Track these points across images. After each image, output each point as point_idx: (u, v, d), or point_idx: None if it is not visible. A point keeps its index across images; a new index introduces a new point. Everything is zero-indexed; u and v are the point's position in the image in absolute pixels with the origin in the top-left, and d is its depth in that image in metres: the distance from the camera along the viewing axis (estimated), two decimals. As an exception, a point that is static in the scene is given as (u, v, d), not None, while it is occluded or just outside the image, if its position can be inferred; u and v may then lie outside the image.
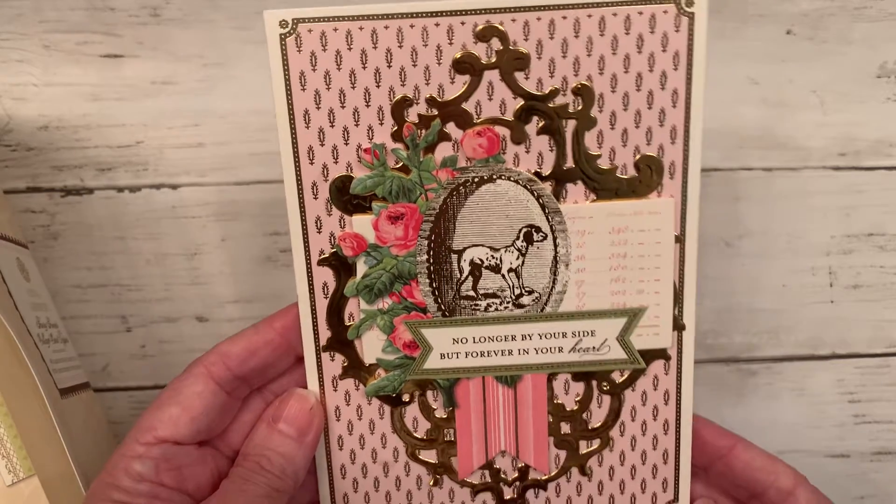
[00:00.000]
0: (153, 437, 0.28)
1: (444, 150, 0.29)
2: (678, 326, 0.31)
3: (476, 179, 0.30)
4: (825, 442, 0.43)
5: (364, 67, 0.29)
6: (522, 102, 0.29)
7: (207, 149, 0.39)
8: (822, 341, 0.41)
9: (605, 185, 0.30)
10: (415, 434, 0.32)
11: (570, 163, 0.29)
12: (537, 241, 0.30)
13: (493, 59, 0.29)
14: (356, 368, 0.31)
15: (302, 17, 0.28)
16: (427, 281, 0.30)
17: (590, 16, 0.28)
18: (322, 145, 0.29)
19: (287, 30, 0.28)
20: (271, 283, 0.40)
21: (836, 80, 0.40)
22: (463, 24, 0.28)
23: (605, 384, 0.32)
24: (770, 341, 0.41)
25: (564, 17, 0.28)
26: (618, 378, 0.32)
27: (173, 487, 0.28)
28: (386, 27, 0.28)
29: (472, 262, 0.30)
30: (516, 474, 0.32)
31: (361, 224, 0.30)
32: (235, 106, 0.39)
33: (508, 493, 0.32)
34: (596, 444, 0.32)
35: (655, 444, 0.32)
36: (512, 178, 0.30)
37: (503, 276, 0.30)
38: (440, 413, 0.32)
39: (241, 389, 0.30)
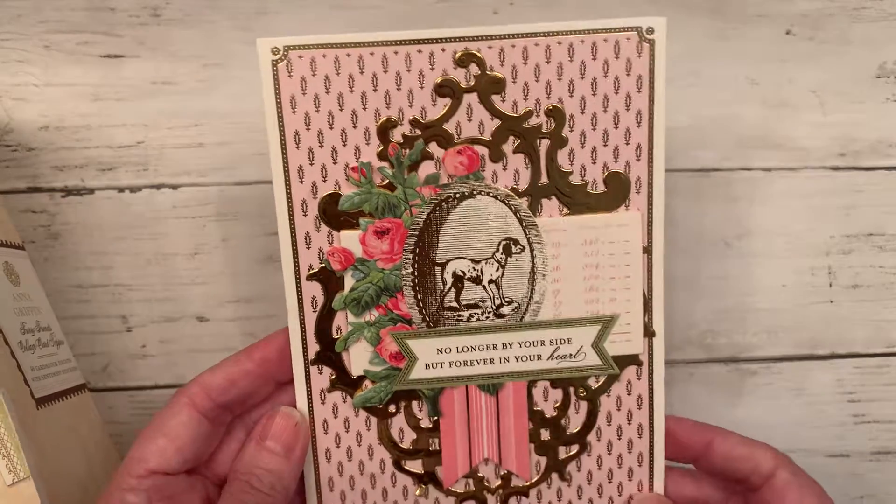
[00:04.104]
0: (144, 469, 0.30)
1: (427, 168, 0.33)
2: (648, 333, 0.34)
3: (457, 195, 0.33)
4: (825, 442, 0.43)
5: (351, 91, 0.32)
6: (499, 123, 0.32)
7: (207, 149, 0.39)
8: (821, 341, 0.42)
9: (576, 200, 0.33)
10: (400, 444, 0.34)
11: (544, 179, 0.33)
12: (515, 253, 0.33)
13: (472, 83, 0.32)
14: (344, 381, 0.34)
15: (292, 44, 0.31)
16: (412, 293, 0.33)
17: (559, 43, 0.32)
18: (311, 164, 0.32)
19: (278, 56, 0.31)
20: (271, 283, 0.40)
21: (835, 81, 0.41)
22: (443, 50, 0.32)
23: (581, 390, 0.34)
24: (769, 341, 0.41)
25: (536, 45, 0.32)
26: (594, 384, 0.34)
27: None
28: (372, 54, 0.31)
29: (454, 274, 0.33)
30: (499, 482, 0.35)
31: (349, 239, 0.33)
32: (235, 106, 0.39)
33: (492, 501, 0.35)
34: (574, 449, 0.35)
35: (630, 447, 0.35)
36: (491, 194, 0.33)
37: (484, 287, 0.33)
38: (425, 423, 0.34)
39: (224, 417, 0.33)
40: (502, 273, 0.33)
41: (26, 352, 0.36)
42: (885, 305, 0.44)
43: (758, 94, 0.43)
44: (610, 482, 0.35)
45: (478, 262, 0.33)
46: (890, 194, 0.44)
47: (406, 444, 0.34)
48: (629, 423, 0.34)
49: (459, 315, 0.33)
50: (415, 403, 0.34)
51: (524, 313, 0.33)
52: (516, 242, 0.33)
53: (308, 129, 0.32)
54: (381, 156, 0.32)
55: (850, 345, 0.44)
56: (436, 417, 0.34)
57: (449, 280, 0.33)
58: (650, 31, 0.31)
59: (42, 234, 0.42)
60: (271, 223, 0.42)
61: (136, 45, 0.42)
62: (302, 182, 0.32)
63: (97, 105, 0.42)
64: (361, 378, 0.34)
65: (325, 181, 0.32)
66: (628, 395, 0.34)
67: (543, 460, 0.34)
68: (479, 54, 0.32)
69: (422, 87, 0.32)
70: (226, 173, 0.42)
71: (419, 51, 0.31)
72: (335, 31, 0.43)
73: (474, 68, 0.32)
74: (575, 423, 0.34)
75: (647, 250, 0.33)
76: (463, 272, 0.33)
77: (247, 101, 0.42)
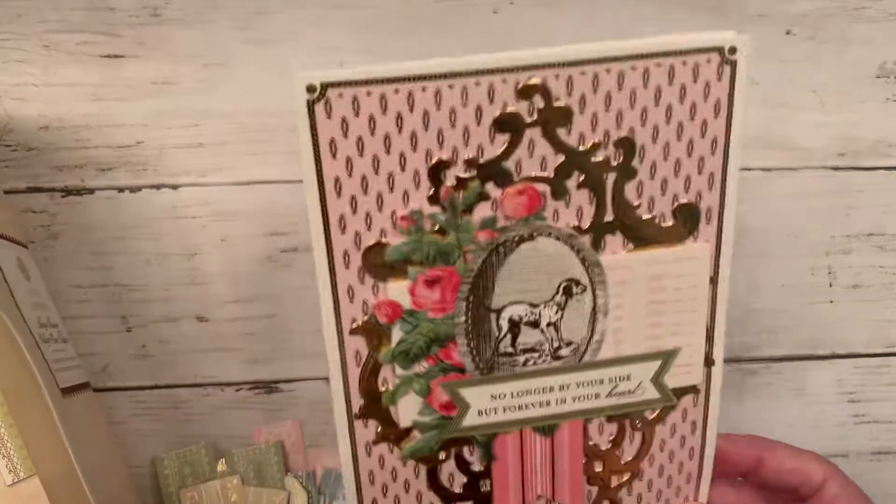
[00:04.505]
0: None
1: (482, 211, 0.29)
2: (709, 363, 0.32)
3: (516, 238, 0.30)
4: (825, 442, 0.43)
5: (399, 132, 0.28)
6: (564, 158, 0.29)
7: (207, 149, 0.39)
8: (821, 341, 0.42)
9: (643, 235, 0.30)
10: (452, 489, 0.33)
11: (609, 215, 0.30)
12: (576, 294, 0.31)
13: (536, 117, 0.28)
14: (391, 433, 0.32)
15: (332, 80, 0.27)
16: (465, 341, 0.30)
17: (634, 68, 0.28)
18: (354, 213, 0.29)
19: (315, 95, 0.27)
20: (271, 283, 0.40)
21: (835, 80, 0.41)
22: (504, 81, 0.28)
23: (637, 422, 0.33)
24: (770, 341, 0.41)
25: (608, 71, 0.28)
26: (649, 415, 0.33)
27: None
28: (423, 89, 0.27)
29: (510, 320, 0.31)
30: None
31: (397, 290, 0.30)
32: (235, 106, 0.39)
33: None
34: (626, 476, 0.34)
35: (681, 469, 0.34)
36: (553, 235, 0.30)
37: (542, 330, 0.31)
38: (476, 467, 0.32)
39: None
40: (562, 315, 0.31)
41: (45, 344, 0.36)
42: (885, 305, 0.44)
43: (758, 94, 0.43)
44: (658, 501, 0.34)
45: (536, 305, 0.31)
46: (890, 194, 0.44)
47: (457, 489, 0.32)
48: (682, 448, 0.33)
49: (515, 360, 0.31)
50: (465, 448, 0.32)
51: (583, 354, 0.31)
52: (577, 283, 0.30)
53: (350, 177, 0.28)
54: (432, 199, 0.29)
55: (850, 345, 0.44)
56: (488, 461, 0.32)
57: (505, 326, 0.31)
58: (732, 50, 0.28)
59: (42, 234, 0.42)
60: (271, 223, 0.42)
61: (136, 45, 0.42)
62: (344, 233, 0.29)
63: (97, 105, 0.42)
64: (409, 429, 0.32)
65: (369, 230, 0.29)
66: (683, 422, 0.33)
67: (595, 489, 0.33)
68: (544, 84, 0.28)
69: (479, 124, 0.28)
70: (226, 173, 0.42)
71: (477, 83, 0.28)
72: (334, 31, 0.43)
73: (538, 100, 0.28)
74: (629, 453, 0.33)
75: (714, 280, 0.31)
76: (520, 317, 0.31)
77: (247, 101, 0.42)
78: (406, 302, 0.30)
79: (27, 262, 0.40)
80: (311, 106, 0.27)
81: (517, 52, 0.28)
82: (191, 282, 0.43)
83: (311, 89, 0.27)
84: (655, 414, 0.33)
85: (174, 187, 0.43)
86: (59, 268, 0.42)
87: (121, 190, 0.43)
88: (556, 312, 0.31)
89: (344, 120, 0.28)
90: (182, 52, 0.43)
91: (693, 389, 0.33)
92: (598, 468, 0.33)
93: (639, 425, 0.33)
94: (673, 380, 0.32)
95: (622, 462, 0.33)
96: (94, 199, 0.42)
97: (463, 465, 0.32)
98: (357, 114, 0.28)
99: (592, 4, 0.43)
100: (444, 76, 0.28)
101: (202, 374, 0.43)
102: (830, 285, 0.44)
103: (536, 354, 0.31)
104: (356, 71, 0.27)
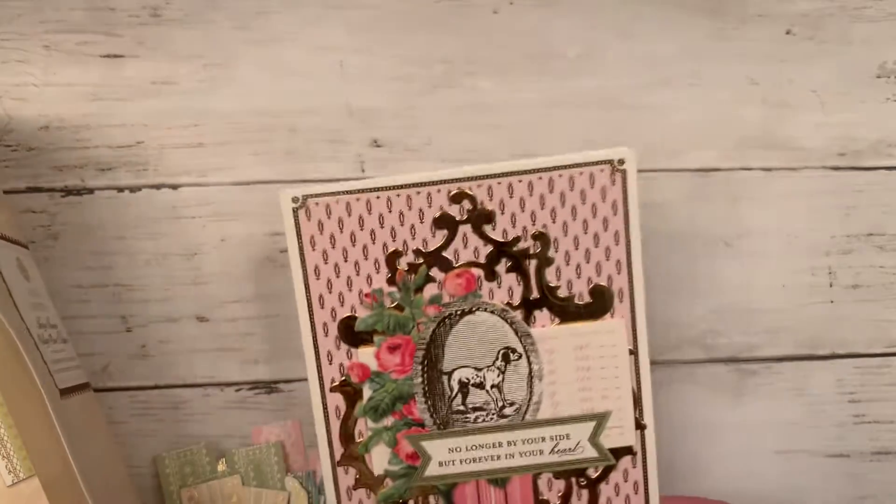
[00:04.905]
0: None
1: (430, 290, 0.40)
2: (640, 426, 0.40)
3: (459, 312, 0.39)
4: (825, 442, 0.44)
5: (361, 229, 0.38)
6: (492, 248, 0.39)
7: (207, 149, 0.40)
8: (821, 341, 0.42)
9: (566, 311, 0.39)
10: None
11: (535, 294, 0.39)
12: (514, 360, 0.39)
13: (465, 217, 0.39)
14: (367, 479, 0.40)
15: (310, 193, 0.38)
16: (423, 399, 0.39)
17: (540, 178, 0.38)
18: (330, 293, 0.39)
19: (298, 204, 0.38)
20: (271, 283, 0.41)
21: (836, 80, 0.42)
22: (439, 191, 0.38)
23: (582, 480, 0.40)
24: (770, 341, 0.42)
25: (520, 181, 0.38)
26: (593, 474, 0.40)
27: None
28: (377, 197, 0.38)
29: (460, 381, 0.38)
30: None
31: (365, 355, 0.39)
32: (235, 106, 0.40)
33: None
34: None
35: None
36: (488, 310, 0.39)
37: (487, 391, 0.39)
38: None
39: None
40: (503, 378, 0.38)
41: (44, 345, 0.36)
42: (885, 305, 0.45)
43: (758, 94, 0.44)
44: None
45: (480, 369, 0.38)
46: (890, 194, 0.44)
47: None
48: None
49: (467, 417, 0.38)
50: (431, 498, 0.39)
51: (525, 413, 0.39)
52: (514, 350, 0.38)
53: (326, 263, 0.38)
54: (390, 281, 0.39)
55: (850, 345, 0.45)
56: None
57: (455, 386, 0.38)
58: (621, 162, 0.37)
59: (42, 234, 0.42)
60: (270, 223, 0.43)
61: (136, 45, 0.43)
62: (322, 308, 0.38)
63: (97, 105, 0.43)
64: (383, 476, 0.39)
65: (342, 306, 0.39)
66: (625, 482, 0.40)
67: None
68: (470, 192, 0.38)
69: (422, 222, 0.38)
70: (226, 173, 0.43)
71: (418, 192, 0.37)
72: (334, 31, 0.43)
73: (467, 203, 0.38)
74: None
75: (634, 352, 0.39)
76: (468, 379, 0.38)
77: (247, 101, 0.43)
78: (373, 365, 0.38)
79: (27, 262, 0.40)
80: (295, 212, 0.37)
81: (448, 169, 0.37)
82: (191, 282, 0.44)
83: (295, 200, 0.37)
84: (598, 472, 0.39)
85: (174, 187, 0.43)
86: (59, 268, 0.43)
87: (121, 190, 0.43)
88: (498, 376, 0.38)
89: (320, 222, 0.37)
90: (182, 52, 0.43)
91: (629, 451, 0.40)
92: None
93: (583, 483, 0.40)
94: (608, 440, 0.39)
95: None
96: (94, 199, 0.43)
97: None
98: (329, 217, 0.37)
99: (592, 4, 0.43)
100: (392, 188, 0.37)
101: (202, 374, 0.44)
102: (830, 285, 0.45)
103: (485, 413, 0.38)
104: (327, 186, 0.38)
